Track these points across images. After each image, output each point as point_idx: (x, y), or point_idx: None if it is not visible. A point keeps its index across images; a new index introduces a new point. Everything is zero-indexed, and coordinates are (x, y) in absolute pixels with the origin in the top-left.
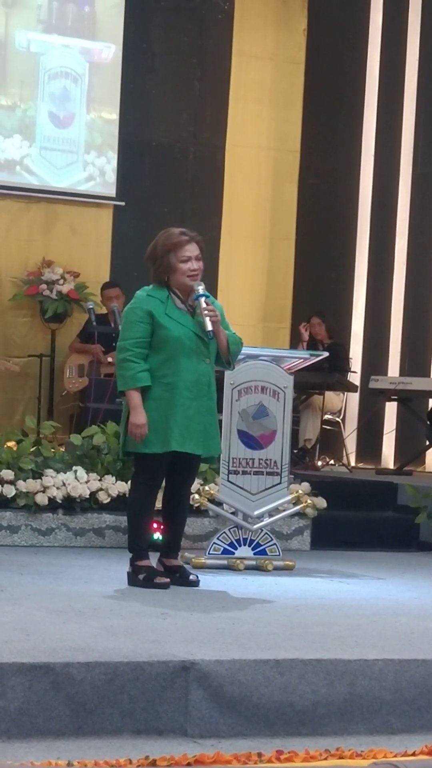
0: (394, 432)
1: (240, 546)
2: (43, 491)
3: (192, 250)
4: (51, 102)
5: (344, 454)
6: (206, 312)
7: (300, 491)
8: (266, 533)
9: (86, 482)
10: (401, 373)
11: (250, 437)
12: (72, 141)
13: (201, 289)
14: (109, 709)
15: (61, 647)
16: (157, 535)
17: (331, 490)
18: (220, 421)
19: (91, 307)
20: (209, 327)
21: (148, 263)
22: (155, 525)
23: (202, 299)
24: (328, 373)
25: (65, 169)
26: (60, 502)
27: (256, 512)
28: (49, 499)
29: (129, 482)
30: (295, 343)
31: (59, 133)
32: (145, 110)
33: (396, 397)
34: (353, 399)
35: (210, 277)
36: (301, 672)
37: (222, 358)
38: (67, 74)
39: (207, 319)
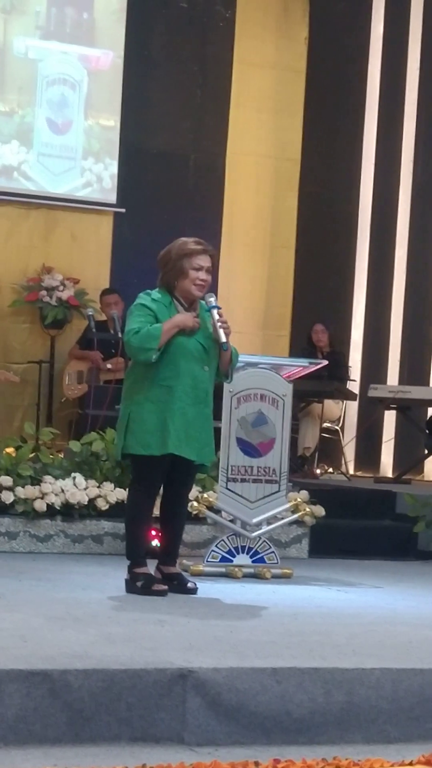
0: (393, 440)
1: (238, 554)
2: (42, 498)
3: (205, 260)
4: (49, 108)
5: (343, 462)
6: (220, 323)
7: (298, 499)
8: (264, 541)
9: (85, 489)
10: (400, 382)
11: (249, 445)
12: (70, 147)
13: (213, 300)
14: (106, 717)
15: (59, 654)
16: (155, 543)
17: (329, 499)
18: (218, 429)
19: (90, 313)
20: (223, 338)
21: (159, 266)
22: (153, 532)
23: (215, 311)
24: (328, 381)
25: (63, 176)
26: (58, 508)
27: (255, 520)
28: (48, 505)
29: (127, 489)
30: (295, 350)
31: (57, 140)
32: (146, 117)
33: (395, 406)
34: (352, 407)
35: (210, 285)
36: (299, 680)
37: (221, 370)
38: (65, 81)
39: (221, 330)
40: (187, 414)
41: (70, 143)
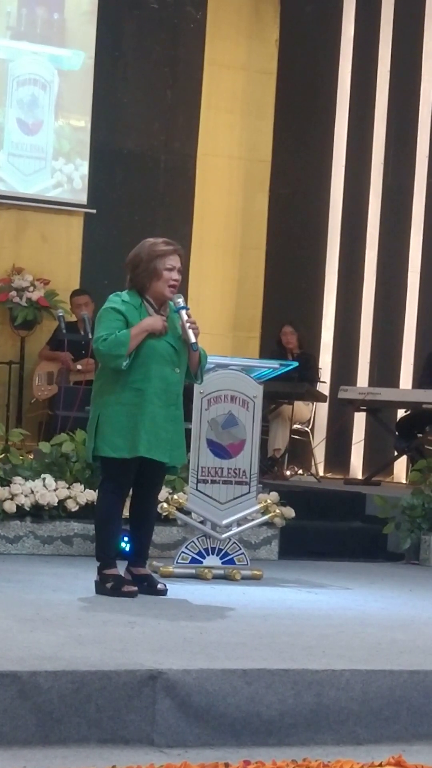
0: (363, 442)
1: (208, 555)
2: (11, 499)
3: (176, 260)
4: (19, 109)
5: (313, 463)
6: (189, 324)
7: (268, 501)
8: (234, 542)
9: (55, 490)
10: (370, 384)
11: (220, 446)
12: (40, 148)
13: (181, 301)
14: (75, 719)
15: (29, 656)
16: (125, 544)
17: (299, 500)
18: (188, 431)
19: (61, 314)
20: (193, 339)
21: (128, 269)
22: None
23: (184, 312)
24: (298, 383)
25: (33, 176)
26: (28, 509)
27: (225, 521)
28: (17, 506)
29: (97, 490)
30: (265, 352)
31: (27, 140)
32: (117, 118)
33: (365, 408)
34: (322, 409)
35: (180, 286)
36: (269, 682)
37: (191, 371)
38: (35, 81)
39: (190, 331)
40: (158, 416)
41: (40, 144)
